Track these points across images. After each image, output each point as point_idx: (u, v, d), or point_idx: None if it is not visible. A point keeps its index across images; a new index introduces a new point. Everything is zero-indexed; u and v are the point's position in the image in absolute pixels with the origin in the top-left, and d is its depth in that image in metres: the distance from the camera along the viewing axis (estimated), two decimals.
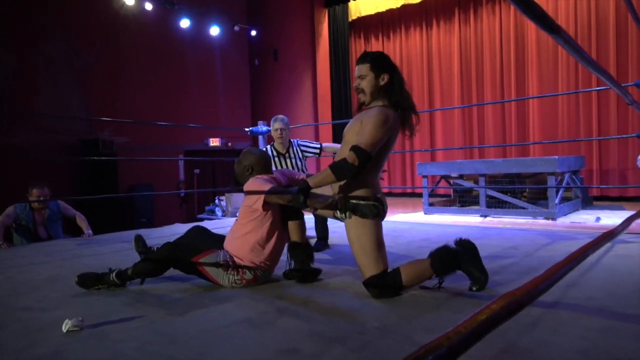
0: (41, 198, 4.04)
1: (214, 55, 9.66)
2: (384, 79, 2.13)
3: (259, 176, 2.40)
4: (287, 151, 3.67)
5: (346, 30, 9.97)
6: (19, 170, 6.65)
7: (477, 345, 0.58)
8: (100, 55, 8.18)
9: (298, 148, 3.75)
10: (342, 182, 2.13)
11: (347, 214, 2.12)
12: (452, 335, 0.47)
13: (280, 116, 3.68)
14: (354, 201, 2.11)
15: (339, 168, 2.02)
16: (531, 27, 7.85)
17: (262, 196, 2.22)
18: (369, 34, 10.01)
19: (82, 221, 4.27)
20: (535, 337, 1.53)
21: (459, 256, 2.04)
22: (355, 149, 2.00)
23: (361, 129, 2.07)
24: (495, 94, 8.31)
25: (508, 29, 8.15)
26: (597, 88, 5.01)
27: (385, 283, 2.04)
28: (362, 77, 2.15)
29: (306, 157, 3.78)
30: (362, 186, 2.13)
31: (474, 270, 2.06)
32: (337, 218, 2.21)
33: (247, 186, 2.35)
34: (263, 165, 2.47)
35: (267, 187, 2.25)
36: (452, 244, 2.09)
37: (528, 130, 7.96)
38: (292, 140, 3.75)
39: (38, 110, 7.44)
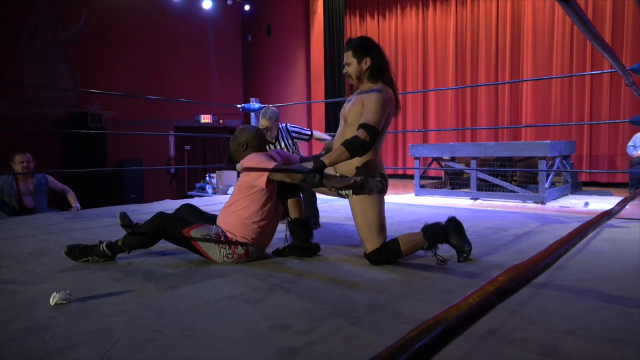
0: (24, 163, 3.97)
1: (206, 30, 9.47)
2: (367, 63, 2.25)
3: (258, 153, 2.36)
4: (277, 139, 3.63)
5: (341, 8, 9.81)
6: (4, 142, 6.53)
7: None
8: (88, 26, 7.97)
9: (288, 133, 3.70)
10: (352, 163, 2.23)
11: (355, 190, 2.22)
12: (461, 306, 0.46)
13: (269, 111, 3.54)
14: (361, 178, 2.20)
15: (352, 145, 2.09)
16: (528, 10, 7.78)
17: (266, 173, 2.19)
18: (365, 12, 9.86)
19: (70, 196, 4.21)
20: (524, 316, 1.54)
21: (447, 230, 2.26)
22: (364, 126, 2.10)
23: (364, 108, 2.17)
24: (489, 76, 8.28)
25: (505, 11, 8.07)
26: (591, 72, 4.99)
27: (386, 253, 2.22)
28: (347, 64, 2.30)
29: (295, 141, 3.75)
30: (368, 164, 2.25)
31: (459, 240, 2.26)
32: (340, 195, 2.31)
33: (247, 162, 2.32)
34: (258, 142, 2.44)
35: (270, 164, 2.22)
36: (442, 222, 2.30)
37: (521, 114, 7.96)
38: (281, 125, 3.70)
39: (23, 82, 7.26)
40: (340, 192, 2.29)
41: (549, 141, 5.42)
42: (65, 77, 7.76)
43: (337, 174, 2.28)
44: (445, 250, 2.30)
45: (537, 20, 7.71)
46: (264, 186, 2.22)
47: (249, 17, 9.89)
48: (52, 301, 1.69)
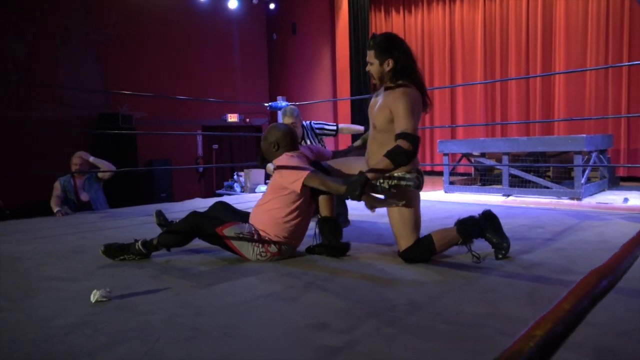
0: (83, 157, 4.19)
1: (232, 29, 9.53)
2: (389, 64, 2.17)
3: (289, 153, 2.34)
4: (302, 139, 3.57)
5: (366, 4, 9.71)
6: (38, 143, 6.73)
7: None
8: (118, 28, 8.13)
9: (312, 131, 3.66)
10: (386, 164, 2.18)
11: (392, 184, 2.18)
12: (558, 313, 0.43)
13: (289, 109, 3.50)
14: (398, 174, 2.17)
15: (397, 156, 2.05)
16: (560, 0, 7.53)
17: (301, 179, 2.15)
18: (390, 7, 9.74)
19: (103, 164, 4.31)
20: None
21: (482, 224, 2.19)
22: (404, 135, 2.06)
23: (395, 116, 2.11)
24: (519, 70, 8.05)
25: (536, 1, 7.84)
26: (629, 63, 4.79)
27: (420, 250, 2.17)
28: (370, 63, 2.24)
29: (321, 138, 3.70)
30: None
31: (496, 237, 2.19)
32: (377, 192, 2.26)
33: (281, 164, 2.28)
34: (289, 141, 2.40)
35: (302, 167, 2.20)
36: (476, 215, 2.23)
37: (553, 108, 7.72)
38: (304, 123, 3.65)
39: (56, 84, 7.46)
40: (375, 187, 2.24)
41: (584, 135, 5.23)
42: (96, 78, 7.94)
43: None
44: (479, 247, 2.23)
45: (569, 10, 7.46)
46: (298, 191, 2.20)
47: (274, 16, 9.90)
48: (92, 298, 1.72)
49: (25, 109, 7.16)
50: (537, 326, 0.42)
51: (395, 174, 2.16)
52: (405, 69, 2.17)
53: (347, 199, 2.10)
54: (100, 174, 4.29)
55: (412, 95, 2.14)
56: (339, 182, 2.11)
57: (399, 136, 2.06)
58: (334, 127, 3.75)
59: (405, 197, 2.16)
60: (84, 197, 4.21)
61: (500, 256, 2.20)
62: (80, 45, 7.77)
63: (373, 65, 2.22)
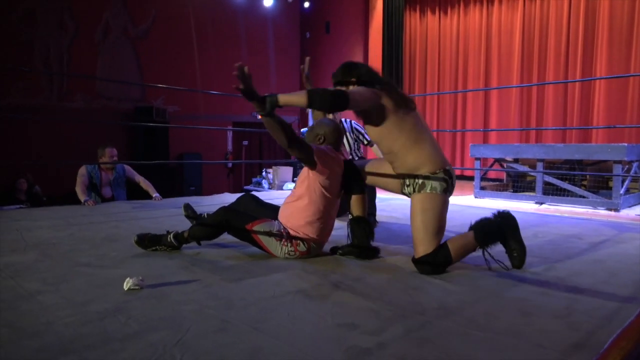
0: (113, 158, 4.19)
1: (266, 27, 9.60)
2: (354, 84, 2.19)
3: (322, 146, 2.33)
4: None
5: (401, 4, 9.61)
6: (76, 134, 6.93)
7: None
8: (156, 24, 8.31)
9: (352, 130, 3.61)
10: (405, 159, 2.12)
11: (416, 187, 2.11)
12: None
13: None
14: (423, 174, 2.10)
15: (316, 92, 1.94)
16: (604, 3, 7.27)
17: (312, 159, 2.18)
18: (425, 8, 9.62)
19: (147, 186, 4.37)
20: (611, 331, 1.41)
21: (501, 227, 2.07)
22: (336, 89, 2.04)
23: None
24: (558, 74, 7.82)
25: (578, 4, 7.59)
26: None
27: (437, 261, 2.04)
28: None
29: (357, 140, 3.65)
30: (426, 160, 2.11)
31: (513, 242, 2.08)
32: (403, 193, 2.23)
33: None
34: (336, 137, 2.40)
35: (327, 156, 2.21)
36: (491, 216, 2.11)
37: (592, 115, 7.46)
38: (343, 120, 3.58)
39: (95, 77, 7.68)
40: (403, 190, 2.22)
41: (626, 144, 5.04)
42: (133, 72, 8.13)
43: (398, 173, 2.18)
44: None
45: (614, 14, 7.19)
46: (309, 171, 2.21)
47: (308, 14, 9.92)
48: (125, 286, 1.75)
49: (65, 100, 7.40)
50: (624, 337, 0.39)
51: (420, 174, 2.08)
52: (370, 78, 2.16)
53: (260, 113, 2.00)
54: (128, 174, 4.34)
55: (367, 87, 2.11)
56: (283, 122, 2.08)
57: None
58: (369, 139, 3.70)
59: (431, 200, 2.07)
60: (106, 193, 4.19)
61: (515, 264, 2.08)
62: (119, 40, 7.97)
63: None
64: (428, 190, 2.09)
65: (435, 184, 2.08)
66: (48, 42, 7.24)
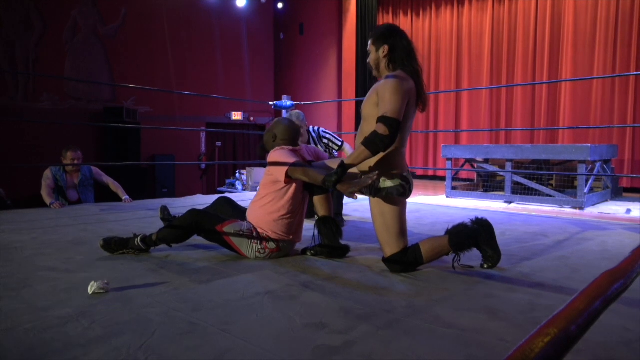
0: (75, 161, 4.07)
1: (239, 28, 9.54)
2: (384, 51, 2.11)
3: (283, 147, 2.34)
4: (307, 143, 3.53)
5: (374, 6, 9.71)
6: (44, 134, 6.74)
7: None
8: (126, 23, 8.15)
9: (318, 138, 3.62)
10: (367, 162, 2.07)
11: (372, 191, 2.08)
12: (572, 313, 0.41)
13: (294, 113, 3.43)
14: (380, 181, 2.06)
15: (371, 142, 1.92)
16: (569, 8, 7.51)
17: (285, 169, 2.15)
18: (398, 10, 9.74)
19: (117, 188, 4.28)
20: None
21: (477, 234, 2.05)
22: (382, 119, 1.92)
23: (380, 99, 2.00)
24: (526, 76, 8.03)
25: (544, 9, 7.81)
26: (636, 72, 4.75)
27: (407, 260, 2.06)
28: (369, 52, 2.19)
29: (329, 148, 3.66)
30: (387, 164, 2.08)
31: (489, 249, 2.08)
32: (362, 194, 2.18)
33: (271, 156, 2.30)
34: (290, 136, 2.40)
35: (291, 159, 2.19)
36: (468, 222, 2.09)
37: (558, 116, 7.69)
38: (311, 129, 3.59)
39: (64, 77, 7.48)
40: (362, 191, 2.15)
41: (589, 144, 5.21)
42: (103, 72, 7.96)
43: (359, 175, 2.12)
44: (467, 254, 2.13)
45: (578, 19, 7.43)
46: (283, 181, 2.18)
47: (282, 16, 9.91)
48: (90, 290, 1.71)
49: (30, 100, 7.18)
50: (552, 324, 0.41)
51: (370, 180, 2.00)
52: (401, 56, 2.07)
53: (325, 186, 1.98)
54: (95, 176, 4.24)
55: (403, 79, 2.00)
56: (321, 173, 2.04)
57: (378, 120, 1.92)
58: (340, 142, 3.70)
59: (388, 204, 2.07)
60: (72, 196, 4.09)
61: (486, 266, 2.10)
62: (89, 39, 7.79)
63: (371, 54, 2.17)
64: (384, 194, 2.07)
65: (392, 189, 2.06)
66: (14, 41, 7.01)
